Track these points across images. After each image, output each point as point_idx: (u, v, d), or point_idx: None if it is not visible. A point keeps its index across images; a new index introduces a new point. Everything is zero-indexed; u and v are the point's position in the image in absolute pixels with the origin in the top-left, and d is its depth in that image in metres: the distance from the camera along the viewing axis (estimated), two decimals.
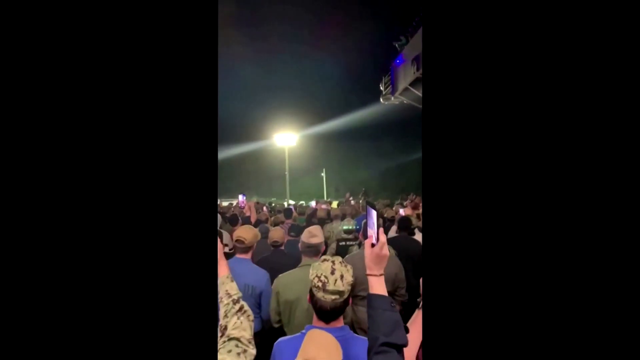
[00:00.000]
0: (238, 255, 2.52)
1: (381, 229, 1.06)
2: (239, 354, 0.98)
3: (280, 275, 2.19)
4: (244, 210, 4.99)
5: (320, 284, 1.30)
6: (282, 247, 3.02)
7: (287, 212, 4.89)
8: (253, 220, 4.83)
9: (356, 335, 1.35)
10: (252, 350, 1.02)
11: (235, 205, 5.50)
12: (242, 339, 1.01)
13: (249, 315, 1.09)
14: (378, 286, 1.05)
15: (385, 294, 1.04)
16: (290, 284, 2.10)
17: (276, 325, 2.16)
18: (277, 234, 3.00)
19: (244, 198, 6.10)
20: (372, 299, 1.04)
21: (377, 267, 1.05)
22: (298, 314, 2.02)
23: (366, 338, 1.34)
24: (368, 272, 1.05)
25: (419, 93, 15.36)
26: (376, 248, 1.04)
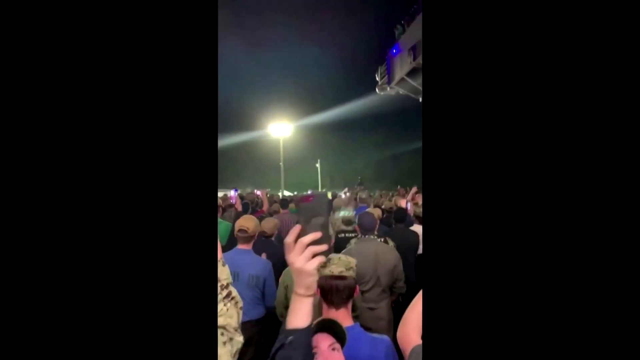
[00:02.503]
0: (240, 246, 2.54)
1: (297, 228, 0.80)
2: (224, 342, 0.92)
3: (288, 268, 2.24)
4: (235, 206, 4.96)
5: (323, 265, 1.36)
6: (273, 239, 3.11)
7: (284, 202, 4.93)
8: (265, 209, 4.89)
9: (367, 333, 1.38)
10: (239, 338, 0.98)
11: (225, 200, 5.42)
12: (227, 327, 0.96)
13: (237, 302, 1.03)
14: (296, 310, 0.82)
15: (305, 322, 0.82)
16: None
17: (282, 319, 2.15)
18: (268, 224, 3.00)
19: (236, 193, 5.95)
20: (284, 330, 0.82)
21: (297, 283, 0.81)
22: None
23: (377, 335, 1.39)
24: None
25: (415, 83, 15.31)
26: (291, 255, 0.79)
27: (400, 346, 1.03)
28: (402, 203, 4.70)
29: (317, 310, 1.39)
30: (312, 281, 0.81)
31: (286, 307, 2.11)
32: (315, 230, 0.81)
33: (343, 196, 7.27)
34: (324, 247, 0.80)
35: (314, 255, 0.79)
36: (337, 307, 1.38)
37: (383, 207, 4.95)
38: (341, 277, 1.38)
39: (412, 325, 1.02)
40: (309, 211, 0.84)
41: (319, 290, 1.42)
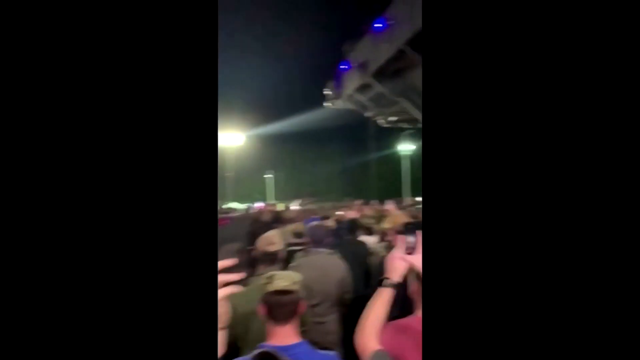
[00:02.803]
0: None
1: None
2: None
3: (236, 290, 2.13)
4: None
5: (266, 282, 1.39)
6: None
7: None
8: None
9: (315, 350, 1.34)
10: None
11: None
12: None
13: None
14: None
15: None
16: (245, 294, 2.04)
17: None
18: None
19: None
20: None
21: None
22: (255, 327, 1.98)
23: (324, 352, 1.36)
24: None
25: (363, 99, 15.86)
26: None
27: (358, 352, 1.03)
28: (351, 214, 4.76)
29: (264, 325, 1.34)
30: (220, 313, 0.74)
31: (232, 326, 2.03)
32: (227, 256, 0.76)
33: (292, 208, 7.24)
34: (236, 277, 0.74)
35: (225, 285, 0.74)
36: (283, 323, 1.34)
37: (333, 218, 4.98)
38: (285, 292, 1.35)
39: (368, 331, 1.02)
40: (223, 235, 0.78)
41: (264, 308, 1.38)
